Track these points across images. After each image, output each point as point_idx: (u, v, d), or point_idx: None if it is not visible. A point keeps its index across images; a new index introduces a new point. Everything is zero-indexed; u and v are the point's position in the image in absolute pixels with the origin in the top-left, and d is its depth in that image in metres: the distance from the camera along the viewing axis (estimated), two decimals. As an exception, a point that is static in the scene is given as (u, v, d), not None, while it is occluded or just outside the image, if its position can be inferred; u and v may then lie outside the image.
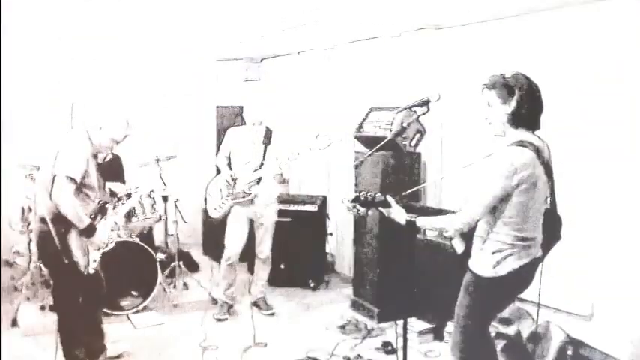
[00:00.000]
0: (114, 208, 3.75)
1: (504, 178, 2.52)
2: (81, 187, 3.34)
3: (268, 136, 4.73)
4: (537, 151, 2.56)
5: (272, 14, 5.11)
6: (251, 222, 4.83)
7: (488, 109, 2.66)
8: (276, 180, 4.74)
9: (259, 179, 4.64)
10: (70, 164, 3.28)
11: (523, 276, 2.68)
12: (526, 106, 2.57)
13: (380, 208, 2.89)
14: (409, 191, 3.11)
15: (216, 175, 4.90)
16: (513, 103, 2.57)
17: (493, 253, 2.63)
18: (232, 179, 4.71)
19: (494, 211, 2.60)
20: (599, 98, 3.64)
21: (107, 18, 5.49)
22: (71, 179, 3.26)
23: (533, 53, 3.94)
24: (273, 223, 4.91)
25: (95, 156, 3.51)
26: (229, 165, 4.84)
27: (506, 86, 2.59)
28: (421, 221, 2.79)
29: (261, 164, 4.64)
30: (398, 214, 2.85)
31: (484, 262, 2.66)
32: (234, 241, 4.81)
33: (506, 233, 2.61)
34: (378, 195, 2.89)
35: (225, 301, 4.91)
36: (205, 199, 4.87)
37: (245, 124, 4.85)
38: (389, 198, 2.88)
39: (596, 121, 3.67)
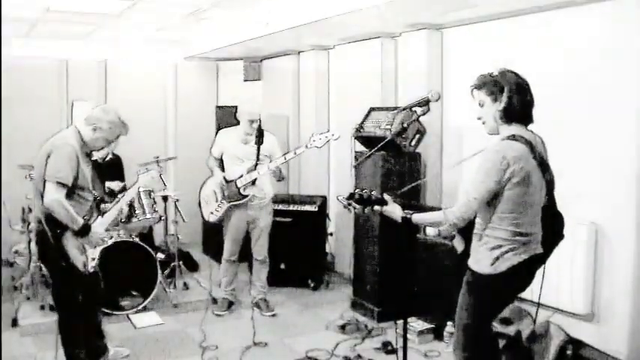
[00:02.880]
0: (115, 203, 3.73)
1: (497, 170, 2.53)
2: (74, 189, 3.32)
3: (261, 136, 4.67)
4: (530, 145, 2.57)
5: (272, 14, 5.12)
6: (247, 223, 4.81)
7: (481, 110, 2.69)
8: (275, 177, 4.72)
9: (254, 180, 4.61)
10: (60, 169, 3.24)
11: (523, 273, 2.66)
12: (517, 101, 2.59)
13: (376, 206, 2.87)
14: (406, 188, 3.09)
15: (208, 177, 4.85)
16: (505, 100, 2.59)
17: (491, 249, 2.62)
18: (227, 181, 4.68)
19: (489, 205, 2.60)
20: (599, 99, 3.64)
21: (107, 18, 5.49)
22: (62, 184, 3.24)
23: (533, 53, 3.94)
24: (269, 223, 4.89)
25: (88, 154, 3.50)
26: (222, 167, 4.81)
27: (495, 84, 2.62)
28: (417, 217, 2.79)
29: (256, 164, 4.61)
30: (393, 211, 2.85)
31: (483, 260, 2.65)
32: (231, 242, 4.84)
33: (503, 228, 2.60)
34: (374, 192, 2.87)
35: (225, 297, 4.93)
36: (199, 204, 4.85)
37: (238, 124, 4.77)
38: (385, 195, 2.88)
39: (594, 122, 3.67)
